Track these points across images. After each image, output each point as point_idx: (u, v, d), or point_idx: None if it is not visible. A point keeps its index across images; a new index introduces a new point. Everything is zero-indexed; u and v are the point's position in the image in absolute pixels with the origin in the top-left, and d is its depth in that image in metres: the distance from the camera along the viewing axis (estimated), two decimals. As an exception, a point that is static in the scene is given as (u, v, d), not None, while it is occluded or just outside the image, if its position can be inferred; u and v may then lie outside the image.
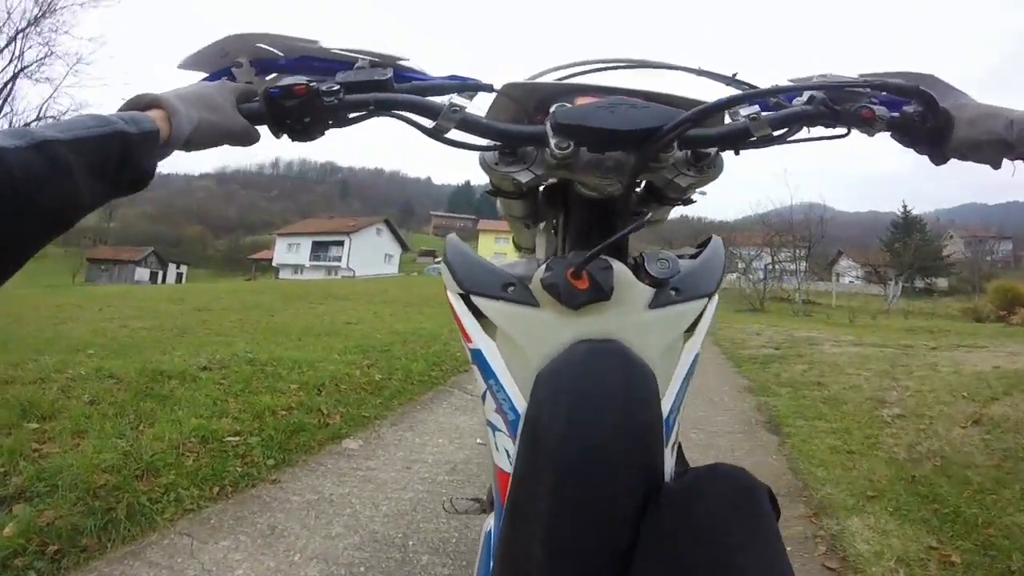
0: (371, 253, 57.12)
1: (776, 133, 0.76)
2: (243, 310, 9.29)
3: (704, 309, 0.72)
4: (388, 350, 5.96)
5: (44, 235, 0.56)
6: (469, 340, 0.73)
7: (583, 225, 0.80)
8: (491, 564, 0.75)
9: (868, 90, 0.79)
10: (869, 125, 0.76)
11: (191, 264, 61.21)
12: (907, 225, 47.78)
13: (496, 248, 74.03)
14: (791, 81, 0.86)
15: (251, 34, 0.88)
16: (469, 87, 0.85)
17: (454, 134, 0.76)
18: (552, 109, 0.71)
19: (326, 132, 0.80)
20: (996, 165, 0.77)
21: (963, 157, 0.78)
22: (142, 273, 52.84)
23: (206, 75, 0.91)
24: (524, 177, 0.76)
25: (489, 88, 0.84)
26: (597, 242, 0.65)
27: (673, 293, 0.70)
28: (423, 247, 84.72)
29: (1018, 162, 0.75)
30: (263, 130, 0.80)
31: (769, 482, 2.61)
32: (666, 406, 0.67)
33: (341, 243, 56.69)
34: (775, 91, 0.83)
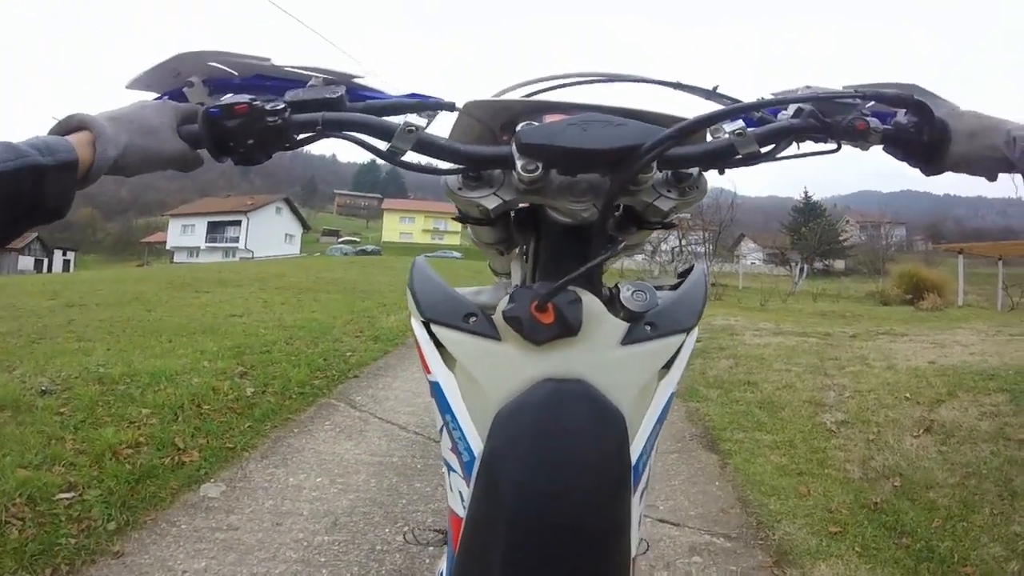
0: (270, 233, 54.47)
1: (764, 149, 0.71)
2: (119, 305, 8.14)
3: (682, 345, 0.67)
4: (268, 351, 5.19)
5: None
6: (428, 371, 0.67)
7: (554, 253, 0.74)
8: None
9: (859, 101, 0.76)
10: (863, 138, 0.73)
11: (80, 250, 56.34)
12: (809, 210, 49.97)
13: (401, 228, 73.55)
14: (774, 95, 0.81)
15: (202, 52, 0.83)
16: (429, 106, 0.82)
17: (412, 156, 0.72)
18: (518, 128, 0.66)
19: (272, 155, 0.74)
20: (992, 179, 0.75)
21: (958, 170, 0.75)
22: (26, 262, 48.19)
23: (157, 96, 0.85)
24: (490, 203, 0.69)
25: (450, 107, 0.81)
26: (569, 271, 0.61)
27: (648, 328, 0.65)
28: (326, 227, 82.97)
29: (1017, 176, 0.72)
30: (205, 154, 0.74)
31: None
32: (635, 451, 0.62)
33: (239, 223, 53.85)
34: (761, 105, 0.78)
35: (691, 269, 0.75)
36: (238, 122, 0.70)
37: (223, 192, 75.76)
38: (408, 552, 2.42)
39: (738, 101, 0.83)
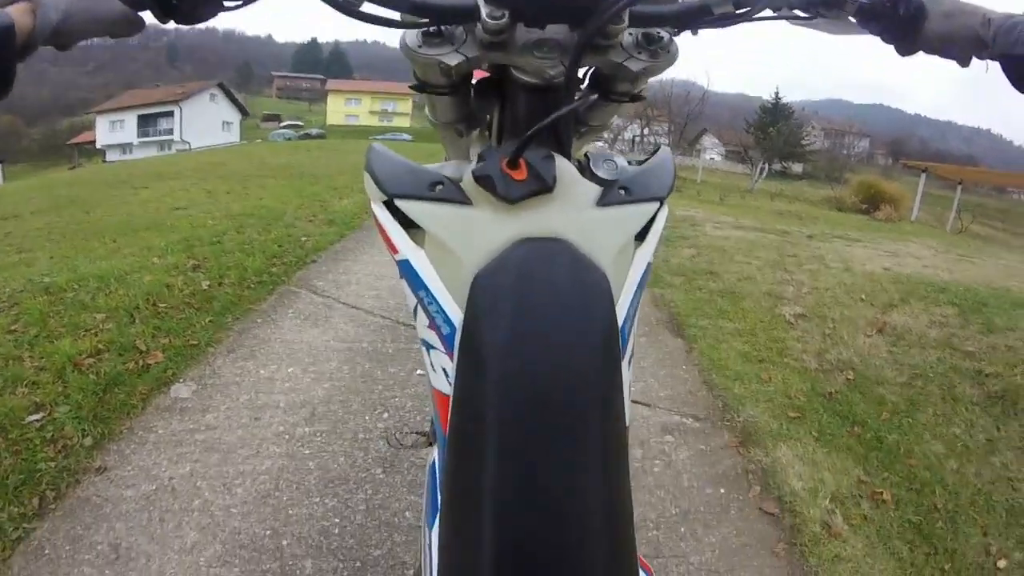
0: (207, 122, 51.39)
1: (739, 10, 0.69)
2: (56, 210, 7.66)
3: (655, 215, 0.67)
4: (219, 241, 4.92)
5: None
6: (395, 251, 0.65)
7: (520, 116, 0.70)
8: (438, 501, 0.63)
9: None
10: (838, 7, 0.74)
11: (6, 160, 52.25)
12: (776, 111, 49.36)
13: (347, 110, 70.77)
14: None
15: None
16: None
17: (370, 8, 0.64)
18: None
19: (218, 13, 0.65)
20: (965, 63, 0.73)
21: (932, 51, 0.74)
22: (-50, 178, 44.86)
23: None
24: (452, 60, 0.64)
25: None
26: None
27: (623, 192, 0.64)
28: (266, 111, 78.91)
29: (991, 61, 0.69)
30: (148, 16, 0.65)
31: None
32: (621, 314, 0.60)
33: (171, 114, 50.61)
34: None
35: (658, 149, 0.74)
36: None
37: (150, 83, 71.20)
38: (392, 440, 2.45)
39: None
